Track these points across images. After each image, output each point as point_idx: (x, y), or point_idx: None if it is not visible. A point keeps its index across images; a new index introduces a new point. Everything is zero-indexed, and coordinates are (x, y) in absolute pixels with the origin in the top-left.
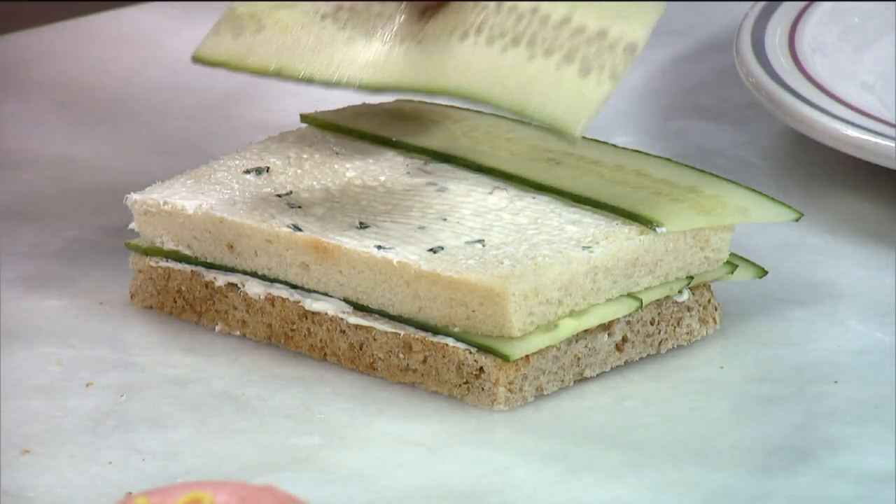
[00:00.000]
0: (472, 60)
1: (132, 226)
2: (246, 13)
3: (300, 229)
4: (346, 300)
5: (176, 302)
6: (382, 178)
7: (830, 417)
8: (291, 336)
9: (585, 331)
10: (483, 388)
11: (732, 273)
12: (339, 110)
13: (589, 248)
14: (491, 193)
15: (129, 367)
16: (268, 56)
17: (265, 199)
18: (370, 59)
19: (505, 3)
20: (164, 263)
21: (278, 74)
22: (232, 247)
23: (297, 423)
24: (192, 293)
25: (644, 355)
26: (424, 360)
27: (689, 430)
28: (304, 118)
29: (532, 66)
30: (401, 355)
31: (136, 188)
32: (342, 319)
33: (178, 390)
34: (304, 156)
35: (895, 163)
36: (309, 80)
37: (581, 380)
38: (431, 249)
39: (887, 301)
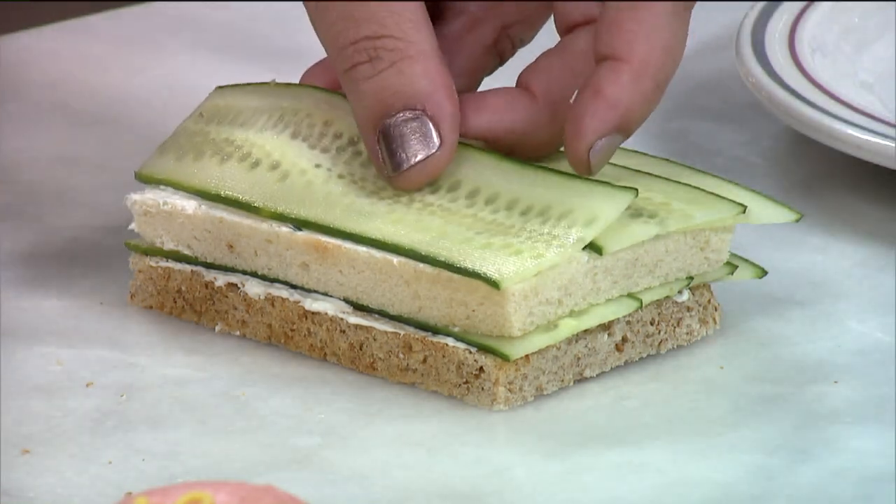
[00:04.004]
0: (420, 221)
1: (132, 226)
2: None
3: (300, 229)
4: (346, 300)
5: (176, 302)
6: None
7: (830, 417)
8: (291, 336)
9: (585, 331)
10: (483, 388)
11: (732, 273)
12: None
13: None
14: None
15: (129, 367)
16: (211, 179)
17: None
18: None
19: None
20: (164, 263)
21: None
22: (232, 247)
23: (297, 423)
24: (192, 293)
25: (644, 355)
26: (424, 360)
27: (689, 430)
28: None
29: (478, 238)
30: (401, 355)
31: (136, 188)
32: (342, 319)
33: (178, 390)
34: None
35: (895, 163)
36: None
37: (581, 380)
38: None
39: (887, 301)
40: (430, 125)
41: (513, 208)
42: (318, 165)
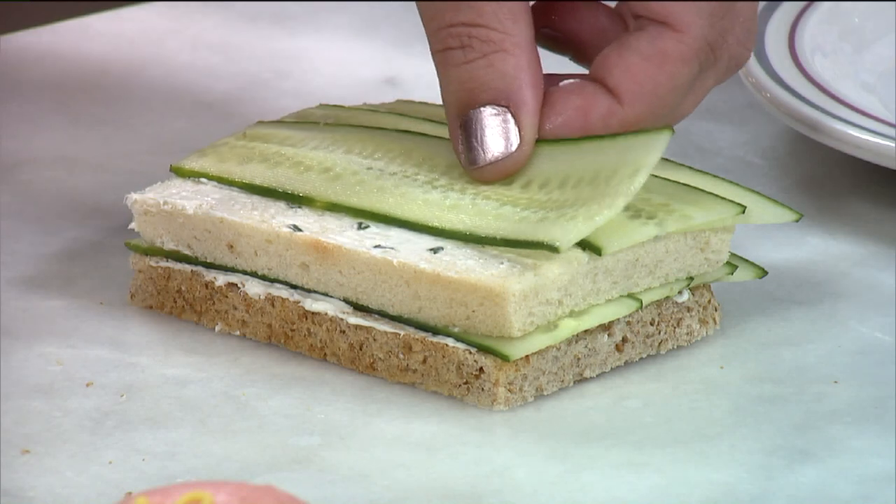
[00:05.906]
0: (476, 205)
1: (132, 226)
2: (240, 144)
3: (300, 229)
4: (346, 300)
5: (176, 302)
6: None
7: (830, 417)
8: (291, 336)
9: (585, 331)
10: (483, 388)
11: (732, 273)
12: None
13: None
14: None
15: (129, 367)
16: (261, 175)
17: (265, 198)
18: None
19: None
20: (164, 263)
21: (270, 189)
22: (232, 247)
23: (297, 423)
24: (192, 293)
25: (644, 355)
26: (424, 360)
27: (689, 430)
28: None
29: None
30: (401, 355)
31: (136, 188)
32: (342, 319)
33: (178, 390)
34: None
35: (895, 163)
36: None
37: (581, 380)
38: (431, 249)
39: (887, 301)
40: (513, 123)
41: (565, 186)
42: (369, 168)
